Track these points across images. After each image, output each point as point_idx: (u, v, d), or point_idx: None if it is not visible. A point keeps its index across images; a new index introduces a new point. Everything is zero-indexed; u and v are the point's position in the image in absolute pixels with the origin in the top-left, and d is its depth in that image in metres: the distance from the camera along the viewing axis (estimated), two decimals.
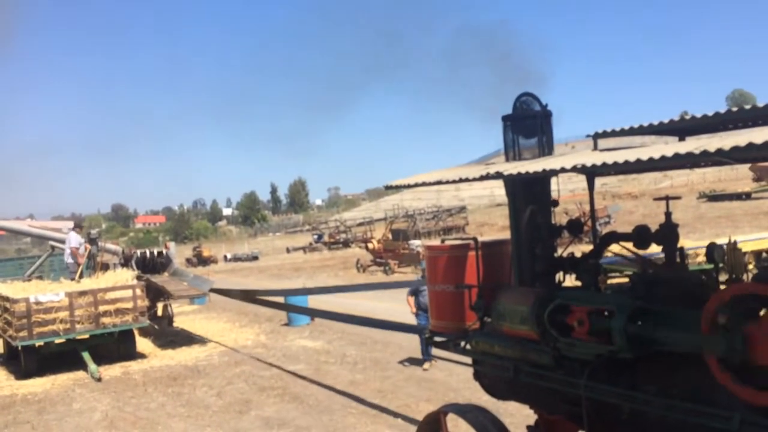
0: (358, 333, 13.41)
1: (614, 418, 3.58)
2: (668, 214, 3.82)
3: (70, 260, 15.16)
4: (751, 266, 10.15)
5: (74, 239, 15.12)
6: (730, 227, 28.55)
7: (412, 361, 10.82)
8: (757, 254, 12.79)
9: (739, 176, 58.73)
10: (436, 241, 5.35)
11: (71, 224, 17.18)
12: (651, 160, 2.95)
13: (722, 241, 4.62)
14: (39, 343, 11.90)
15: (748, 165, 47.14)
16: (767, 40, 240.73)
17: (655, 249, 4.02)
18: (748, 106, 3.43)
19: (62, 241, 17.29)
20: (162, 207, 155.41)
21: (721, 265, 3.74)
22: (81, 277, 14.24)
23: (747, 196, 45.54)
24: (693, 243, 12.51)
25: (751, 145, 2.57)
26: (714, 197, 47.59)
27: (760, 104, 3.38)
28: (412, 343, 11.33)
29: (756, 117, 3.62)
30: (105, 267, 15.70)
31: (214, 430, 8.17)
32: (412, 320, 10.41)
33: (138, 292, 12.57)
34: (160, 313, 15.95)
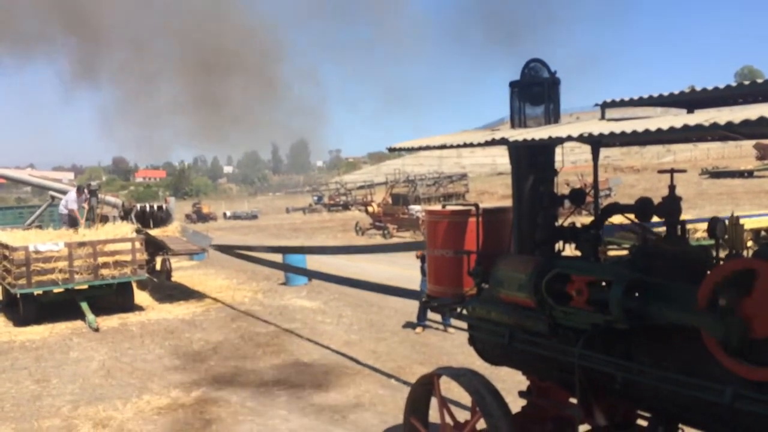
0: (355, 295, 13.49)
1: (606, 387, 3.61)
2: (672, 188, 3.80)
3: (64, 211, 15.30)
4: (749, 243, 10.20)
5: (72, 199, 15.28)
6: (731, 204, 28.52)
7: (408, 325, 10.90)
8: (756, 232, 12.84)
9: (742, 154, 58.46)
10: (436, 207, 5.33)
11: (71, 175, 17.23)
12: (659, 130, 2.92)
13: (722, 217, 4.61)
14: (38, 291, 11.97)
15: (753, 142, 47.04)
16: None
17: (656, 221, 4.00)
18: (760, 80, 3.37)
19: (62, 192, 17.33)
20: (163, 162, 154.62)
21: (720, 241, 3.73)
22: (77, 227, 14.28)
23: (749, 174, 45.41)
24: (692, 218, 12.52)
25: (762, 120, 2.52)
26: (716, 174, 47.44)
27: None
28: (407, 307, 11.41)
29: (767, 92, 3.56)
30: (104, 219, 15.74)
31: (209, 384, 8.26)
32: (408, 284, 10.44)
33: (137, 245, 12.59)
34: (158, 267, 16.03)
